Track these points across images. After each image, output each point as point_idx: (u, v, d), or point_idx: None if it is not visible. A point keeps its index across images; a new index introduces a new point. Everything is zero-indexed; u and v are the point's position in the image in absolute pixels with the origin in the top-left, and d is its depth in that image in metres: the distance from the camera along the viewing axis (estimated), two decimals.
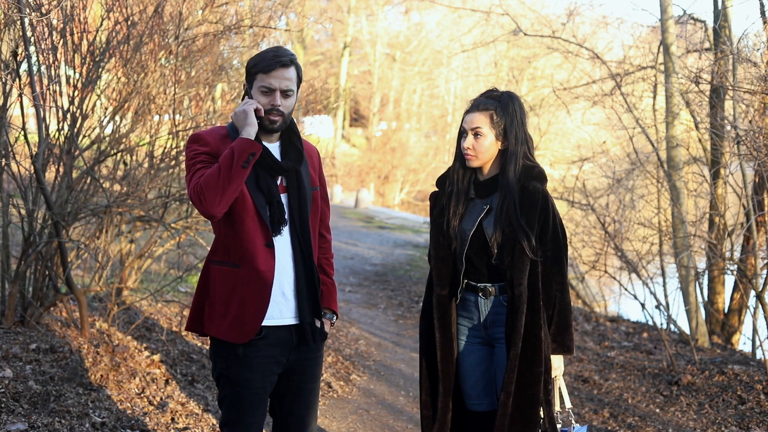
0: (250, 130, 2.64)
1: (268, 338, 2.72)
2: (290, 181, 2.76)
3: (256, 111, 2.68)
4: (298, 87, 2.77)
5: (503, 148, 3.03)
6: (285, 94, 2.70)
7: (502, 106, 3.01)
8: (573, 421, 3.13)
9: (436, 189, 3.21)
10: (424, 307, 3.20)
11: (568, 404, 3.14)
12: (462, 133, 3.06)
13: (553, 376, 3.05)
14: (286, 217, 2.73)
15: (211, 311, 2.74)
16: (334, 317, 2.94)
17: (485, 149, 3.01)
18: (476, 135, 3.01)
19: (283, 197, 2.75)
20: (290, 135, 2.80)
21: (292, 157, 2.76)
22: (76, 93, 4.92)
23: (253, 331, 2.69)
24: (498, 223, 2.97)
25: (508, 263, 2.96)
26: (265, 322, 2.71)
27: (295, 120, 2.87)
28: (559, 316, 3.01)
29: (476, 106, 3.04)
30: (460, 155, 3.09)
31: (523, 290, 2.93)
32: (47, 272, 5.03)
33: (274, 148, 2.79)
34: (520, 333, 2.93)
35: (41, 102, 4.56)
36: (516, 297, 2.94)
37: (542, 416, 3.02)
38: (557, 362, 3.04)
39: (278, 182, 2.75)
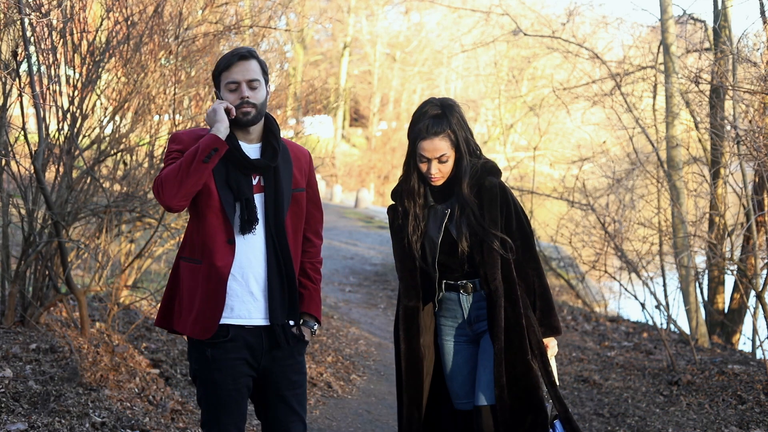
0: (219, 127, 2.66)
1: (237, 341, 2.72)
2: (267, 181, 2.75)
3: (227, 110, 2.69)
4: (266, 80, 2.78)
5: (457, 156, 3.03)
6: (251, 85, 2.71)
7: (450, 121, 2.99)
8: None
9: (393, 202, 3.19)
10: (395, 320, 3.21)
11: (556, 382, 3.16)
12: (421, 160, 3.01)
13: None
14: (258, 215, 2.72)
15: (180, 307, 2.78)
16: (316, 325, 2.87)
17: (449, 168, 3.03)
18: (440, 161, 3.00)
19: (259, 196, 2.75)
20: (268, 134, 2.80)
21: (266, 156, 2.76)
22: (76, 93, 4.92)
23: (213, 327, 2.70)
24: (462, 224, 3.00)
25: (479, 261, 3.00)
26: (232, 322, 2.73)
27: (274, 120, 2.85)
28: (541, 300, 3.06)
29: (432, 132, 2.97)
30: (421, 176, 3.05)
31: (499, 284, 2.98)
32: (47, 272, 5.03)
33: (255, 148, 2.79)
34: (501, 327, 2.96)
35: (41, 102, 4.56)
36: (493, 291, 2.98)
37: (548, 398, 3.05)
38: (550, 343, 3.09)
39: (255, 181, 2.75)
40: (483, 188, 3.01)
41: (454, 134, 3.00)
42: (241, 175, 2.72)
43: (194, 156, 2.62)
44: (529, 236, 3.07)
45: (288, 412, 2.81)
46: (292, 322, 2.80)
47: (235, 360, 2.73)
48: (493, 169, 3.05)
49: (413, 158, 3.06)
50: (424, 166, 3.03)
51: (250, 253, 2.73)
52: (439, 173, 3.02)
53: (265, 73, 2.77)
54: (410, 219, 3.08)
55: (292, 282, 2.77)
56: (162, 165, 5.45)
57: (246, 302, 2.73)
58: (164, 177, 2.65)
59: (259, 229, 2.74)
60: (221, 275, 2.69)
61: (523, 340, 2.97)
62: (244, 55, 2.71)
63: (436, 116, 3.01)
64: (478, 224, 2.98)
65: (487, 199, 3.00)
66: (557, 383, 3.15)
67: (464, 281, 3.07)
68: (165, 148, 5.57)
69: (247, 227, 2.71)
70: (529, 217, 3.21)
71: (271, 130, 2.81)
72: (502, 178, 3.16)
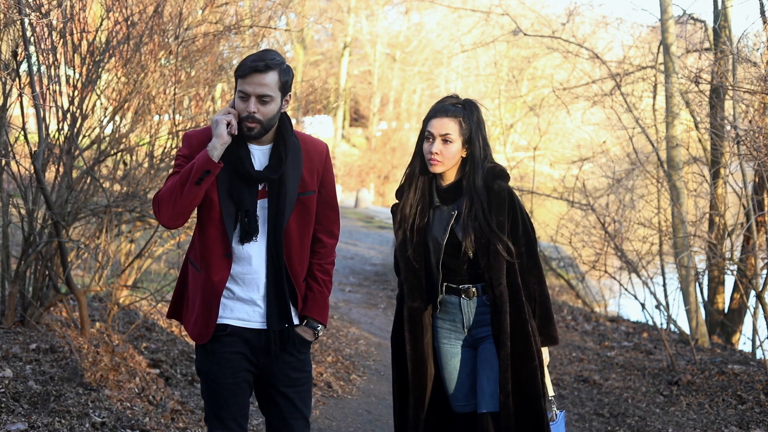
0: (216, 143, 2.61)
1: (235, 335, 2.74)
2: (272, 186, 2.72)
3: (229, 124, 2.63)
4: (285, 92, 2.69)
5: (467, 155, 3.03)
6: (261, 100, 2.63)
7: (467, 113, 3.02)
8: (555, 409, 3.16)
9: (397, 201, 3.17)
10: (395, 320, 3.19)
11: (551, 392, 3.16)
12: (426, 138, 3.03)
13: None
14: (260, 222, 2.71)
15: (186, 306, 2.85)
16: (319, 326, 2.84)
17: (452, 155, 3.00)
18: (445, 141, 2.98)
19: (263, 202, 2.72)
20: (279, 138, 2.74)
21: (271, 165, 2.71)
22: (76, 93, 4.92)
23: (206, 334, 2.74)
24: (468, 227, 2.98)
25: (485, 265, 2.97)
26: (232, 323, 2.75)
27: (289, 122, 2.79)
28: (540, 309, 3.04)
29: (444, 111, 3.01)
30: (421, 161, 3.05)
31: (504, 289, 2.95)
32: (47, 272, 5.03)
33: (264, 150, 2.75)
34: (507, 332, 2.94)
35: (41, 102, 4.56)
36: (497, 297, 2.96)
37: (551, 404, 3.07)
38: (544, 353, 3.08)
39: (260, 186, 2.72)
40: (491, 191, 2.98)
41: (468, 126, 3.00)
42: (245, 184, 2.70)
43: (188, 177, 2.61)
44: (533, 243, 3.05)
45: (290, 408, 2.81)
46: (296, 322, 2.80)
47: (233, 354, 2.74)
48: (502, 173, 3.03)
49: (420, 141, 3.06)
50: (427, 145, 3.01)
51: (254, 260, 2.73)
52: (440, 155, 2.98)
53: (284, 84, 2.67)
54: (408, 208, 3.06)
55: (290, 288, 2.76)
56: (162, 165, 5.47)
57: (247, 306, 2.75)
58: (161, 196, 2.67)
59: (262, 235, 2.73)
60: (216, 290, 2.72)
61: (528, 346, 2.96)
62: (259, 68, 2.61)
63: (455, 105, 3.04)
64: (486, 224, 2.95)
65: (495, 203, 2.97)
66: (549, 394, 3.14)
67: (467, 285, 3.05)
68: (165, 148, 5.58)
69: (246, 238, 2.71)
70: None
71: (282, 134, 2.74)
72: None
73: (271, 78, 2.63)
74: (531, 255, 3.03)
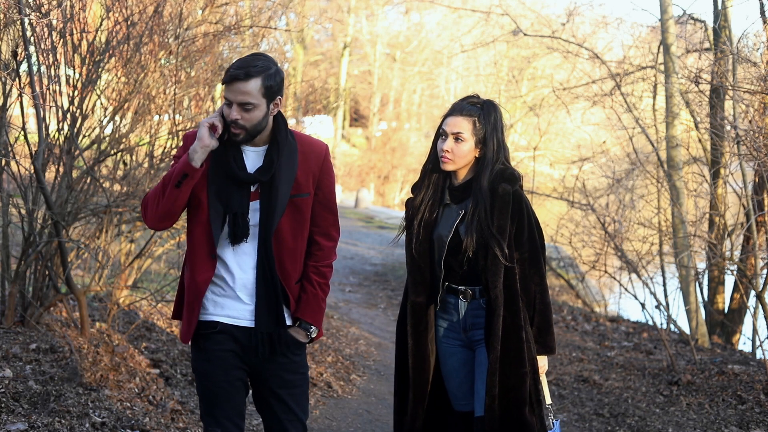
0: (197, 146, 2.62)
1: (226, 333, 2.74)
2: (263, 188, 2.70)
3: (214, 128, 2.63)
4: (270, 97, 2.65)
5: (480, 156, 3.03)
6: (243, 108, 2.61)
7: (484, 114, 3.02)
8: (552, 417, 3.15)
9: (411, 196, 3.19)
10: (400, 315, 3.19)
11: (548, 400, 3.15)
12: (440, 135, 3.05)
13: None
14: (249, 228, 2.70)
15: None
16: (312, 328, 2.79)
17: (464, 154, 3.01)
18: (457, 139, 3.00)
19: (255, 204, 2.71)
20: (272, 141, 2.73)
21: (262, 167, 2.70)
22: (76, 93, 4.92)
23: (188, 333, 2.77)
24: (471, 227, 2.97)
25: (482, 267, 2.96)
26: (222, 320, 2.76)
27: (284, 123, 2.76)
28: (539, 317, 3.01)
29: (459, 110, 3.03)
30: (434, 158, 3.07)
31: (499, 293, 2.93)
32: (47, 272, 5.03)
33: (258, 152, 2.73)
34: (498, 336, 2.92)
35: (41, 102, 4.56)
36: (492, 300, 2.95)
37: (549, 411, 3.05)
38: (541, 362, 3.06)
39: (253, 188, 2.71)
40: (496, 194, 2.96)
41: (482, 126, 3.00)
42: (235, 187, 2.69)
43: (170, 180, 2.64)
44: (539, 251, 3.02)
45: (285, 410, 2.81)
46: (288, 323, 2.78)
47: (224, 351, 2.75)
48: (511, 177, 3.00)
49: (436, 138, 3.08)
50: (440, 142, 3.03)
51: (241, 260, 2.73)
52: (451, 153, 2.99)
53: (268, 90, 2.63)
54: (419, 203, 3.08)
55: (281, 291, 2.74)
56: (162, 165, 5.47)
57: (236, 303, 2.75)
58: (147, 198, 2.72)
59: (253, 236, 2.73)
60: (199, 290, 2.73)
61: (520, 352, 2.94)
62: (239, 77, 2.58)
63: (473, 104, 3.05)
64: (487, 225, 2.94)
65: (498, 206, 2.95)
66: (547, 402, 3.13)
67: (464, 287, 3.05)
68: (165, 148, 5.58)
69: (236, 240, 2.71)
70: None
71: (275, 137, 2.72)
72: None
73: (253, 86, 2.60)
74: (534, 262, 3.00)
